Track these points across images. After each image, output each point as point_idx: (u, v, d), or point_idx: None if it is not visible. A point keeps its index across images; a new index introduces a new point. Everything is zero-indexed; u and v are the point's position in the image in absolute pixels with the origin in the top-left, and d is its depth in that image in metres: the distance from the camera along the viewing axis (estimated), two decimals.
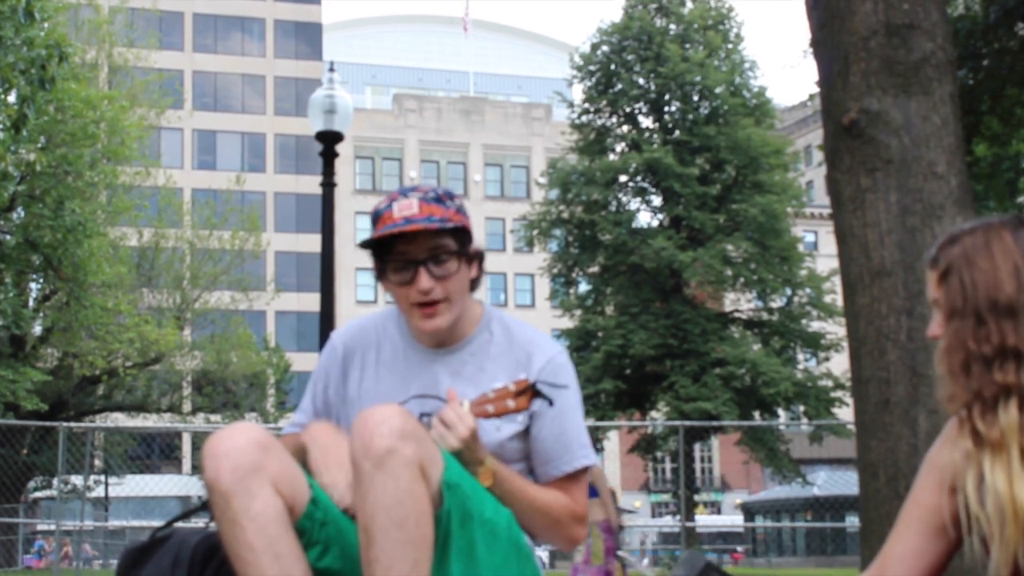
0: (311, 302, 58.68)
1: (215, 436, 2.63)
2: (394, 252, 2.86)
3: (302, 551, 2.59)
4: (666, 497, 61.98)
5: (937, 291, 2.15)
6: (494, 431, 2.88)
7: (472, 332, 2.99)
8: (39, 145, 24.96)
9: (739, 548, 52.64)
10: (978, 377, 2.07)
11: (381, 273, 2.93)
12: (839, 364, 33.46)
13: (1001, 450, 2.03)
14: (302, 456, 2.82)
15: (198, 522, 2.95)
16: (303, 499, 2.62)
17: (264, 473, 2.57)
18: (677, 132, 37.83)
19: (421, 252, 2.85)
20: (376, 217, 2.88)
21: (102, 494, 36.38)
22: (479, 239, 3.02)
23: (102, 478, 36.24)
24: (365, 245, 2.89)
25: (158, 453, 57.62)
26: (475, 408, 2.75)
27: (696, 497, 41.28)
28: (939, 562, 2.16)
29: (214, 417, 35.76)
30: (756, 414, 35.67)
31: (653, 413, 37.46)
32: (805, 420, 36.69)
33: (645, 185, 38.21)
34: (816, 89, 6.18)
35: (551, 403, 2.80)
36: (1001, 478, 2.01)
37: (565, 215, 38.60)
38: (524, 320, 3.09)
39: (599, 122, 39.13)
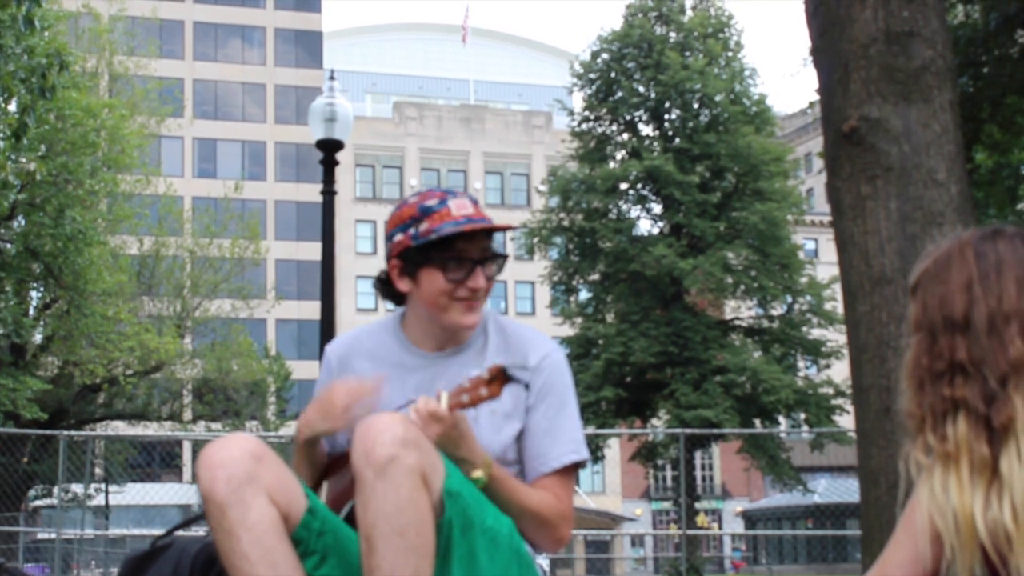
0: (312, 310, 58.66)
1: (210, 447, 2.65)
2: (451, 249, 2.90)
3: (298, 560, 2.59)
4: (667, 505, 61.89)
5: (910, 306, 2.18)
6: (496, 434, 2.90)
7: (471, 335, 3.03)
8: (39, 154, 24.96)
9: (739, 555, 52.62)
10: (930, 393, 2.09)
11: (416, 266, 2.94)
12: (840, 372, 33.47)
13: (952, 463, 2.04)
14: (308, 454, 2.85)
15: (198, 531, 2.95)
16: (299, 509, 2.63)
17: (259, 483, 2.58)
18: (677, 140, 37.86)
19: (476, 252, 2.92)
20: (427, 212, 2.91)
21: (102, 502, 36.26)
22: None
23: (102, 486, 36.14)
24: (429, 240, 2.90)
25: (159, 461, 57.58)
26: (452, 400, 2.75)
27: (697, 505, 41.21)
28: (927, 570, 2.16)
29: (215, 425, 35.72)
30: (757, 422, 35.65)
31: (654, 421, 37.44)
32: (806, 428, 36.71)
33: (645, 193, 38.23)
34: (816, 97, 6.18)
35: (527, 387, 2.84)
36: (953, 490, 2.03)
37: (565, 223, 38.62)
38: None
39: (599, 130, 39.16)
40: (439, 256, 2.90)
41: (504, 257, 2.98)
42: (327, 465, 2.96)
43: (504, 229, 2.96)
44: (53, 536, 17.13)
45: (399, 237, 2.95)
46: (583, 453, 2.98)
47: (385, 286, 3.04)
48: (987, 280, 2.06)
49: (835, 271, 6.17)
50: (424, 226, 2.90)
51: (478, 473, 2.76)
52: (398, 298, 3.05)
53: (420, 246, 2.90)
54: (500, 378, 2.74)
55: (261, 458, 2.61)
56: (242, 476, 2.56)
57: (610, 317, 37.97)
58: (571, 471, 2.97)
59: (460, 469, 2.74)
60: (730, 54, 38.50)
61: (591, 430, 32.48)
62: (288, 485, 2.63)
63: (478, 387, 2.75)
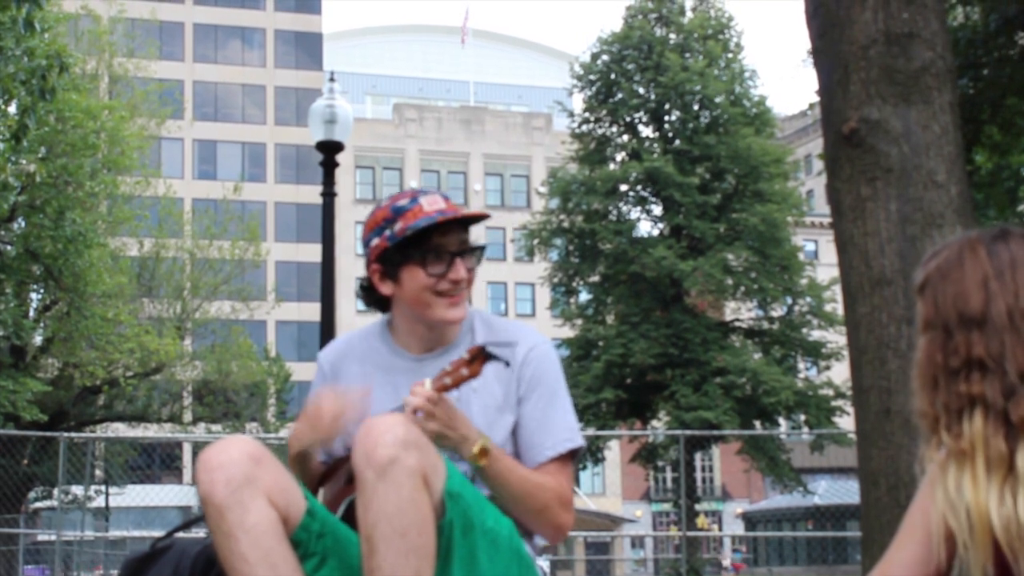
0: (312, 312, 58.64)
1: (208, 450, 2.65)
2: (428, 244, 2.93)
3: (298, 562, 2.60)
4: (667, 507, 61.89)
5: (918, 305, 2.18)
6: (490, 429, 2.91)
7: (458, 335, 3.05)
8: (39, 155, 24.97)
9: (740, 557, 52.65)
10: (945, 390, 2.09)
11: (396, 267, 2.95)
12: (840, 373, 33.46)
13: (967, 460, 2.04)
14: (302, 466, 2.84)
15: (198, 532, 2.95)
16: (298, 511, 2.63)
17: (258, 485, 2.58)
18: (677, 141, 37.85)
19: (454, 244, 2.95)
20: (399, 212, 2.94)
21: (102, 504, 36.25)
22: None
23: (103, 488, 36.15)
24: (405, 236, 2.92)
25: (159, 463, 57.57)
26: (435, 385, 2.79)
27: (697, 506, 41.17)
28: (941, 569, 2.16)
29: (215, 427, 35.70)
30: (757, 423, 35.64)
31: (654, 422, 37.43)
32: (806, 429, 36.68)
33: (645, 194, 38.22)
34: (816, 98, 6.18)
35: (507, 364, 2.87)
36: (968, 488, 2.03)
37: (565, 224, 38.60)
38: None
39: (599, 131, 39.14)
40: (417, 252, 2.93)
41: (482, 249, 3.02)
42: (323, 473, 2.96)
43: (477, 217, 2.99)
44: (53, 538, 17.13)
45: (376, 241, 2.97)
46: (578, 440, 2.99)
47: (368, 293, 3.05)
48: (1003, 276, 2.08)
49: (835, 272, 6.17)
50: (399, 225, 2.92)
51: (477, 447, 2.79)
52: (383, 304, 3.06)
53: (397, 245, 2.93)
54: (480, 357, 2.78)
55: (260, 460, 2.62)
56: (241, 478, 2.57)
57: (610, 319, 37.96)
58: (568, 459, 2.99)
59: (461, 449, 2.78)
60: (730, 55, 38.50)
61: (591, 431, 32.51)
62: (287, 487, 2.64)
63: (459, 368, 2.79)
